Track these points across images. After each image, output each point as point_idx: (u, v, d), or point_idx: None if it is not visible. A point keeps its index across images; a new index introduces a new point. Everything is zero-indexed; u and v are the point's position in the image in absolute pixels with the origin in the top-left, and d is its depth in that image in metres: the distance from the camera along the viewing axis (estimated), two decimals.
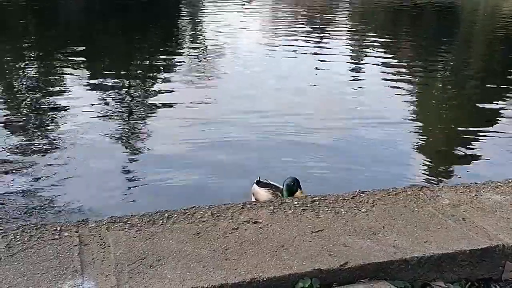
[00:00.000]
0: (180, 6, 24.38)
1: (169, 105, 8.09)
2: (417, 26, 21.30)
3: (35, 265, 2.11)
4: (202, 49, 13.55)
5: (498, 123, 7.72)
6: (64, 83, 9.19)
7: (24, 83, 9.24)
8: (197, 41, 15.28)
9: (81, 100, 7.96)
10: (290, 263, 2.19)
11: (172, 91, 8.97)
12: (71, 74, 9.87)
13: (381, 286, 2.18)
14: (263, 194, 4.63)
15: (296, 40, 14.72)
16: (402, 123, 7.52)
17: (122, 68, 10.98)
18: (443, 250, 2.32)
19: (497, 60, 14.38)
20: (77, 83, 9.19)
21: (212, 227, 2.45)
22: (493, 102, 9.11)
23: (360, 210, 2.67)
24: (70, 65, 10.70)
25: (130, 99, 8.36)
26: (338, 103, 8.61)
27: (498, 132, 7.25)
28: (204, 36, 16.11)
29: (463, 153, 6.48)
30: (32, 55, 11.83)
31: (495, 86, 10.42)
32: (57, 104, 7.76)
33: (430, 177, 5.64)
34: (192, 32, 17.29)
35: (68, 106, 7.61)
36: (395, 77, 10.70)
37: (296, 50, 13.01)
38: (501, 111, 8.48)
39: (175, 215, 2.56)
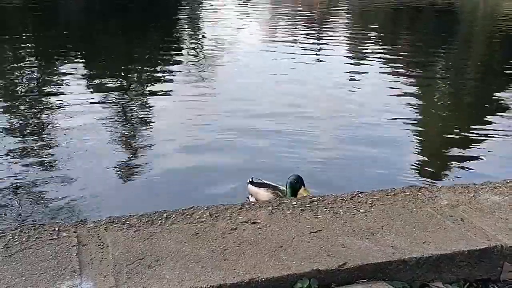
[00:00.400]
0: (180, 6, 24.37)
1: (168, 106, 8.10)
2: (417, 26, 21.31)
3: (33, 266, 2.11)
4: (202, 49, 13.55)
5: (497, 123, 7.72)
6: (64, 83, 9.19)
7: (24, 83, 9.24)
8: (197, 41, 15.28)
9: (80, 100, 7.97)
10: (288, 264, 2.18)
11: (172, 91, 8.98)
12: (70, 74, 9.86)
13: (380, 287, 2.18)
14: (263, 194, 4.61)
15: (296, 40, 14.72)
16: (401, 124, 7.52)
17: (122, 68, 10.99)
18: (442, 251, 2.31)
19: (497, 60, 14.38)
20: (76, 83, 9.19)
21: (210, 228, 2.45)
22: (493, 102, 9.12)
23: (359, 211, 2.66)
24: (69, 65, 10.70)
25: (129, 100, 8.36)
26: (337, 103, 8.61)
27: (497, 132, 7.25)
28: (204, 36, 16.12)
29: (462, 154, 6.48)
30: (32, 55, 11.82)
31: (495, 86, 10.43)
32: (56, 104, 7.76)
33: (428, 178, 5.64)
34: (192, 32, 17.30)
35: (67, 106, 7.61)
36: (394, 78, 10.70)
37: (296, 50, 13.02)
38: (500, 111, 8.48)
39: (174, 216, 2.55)
